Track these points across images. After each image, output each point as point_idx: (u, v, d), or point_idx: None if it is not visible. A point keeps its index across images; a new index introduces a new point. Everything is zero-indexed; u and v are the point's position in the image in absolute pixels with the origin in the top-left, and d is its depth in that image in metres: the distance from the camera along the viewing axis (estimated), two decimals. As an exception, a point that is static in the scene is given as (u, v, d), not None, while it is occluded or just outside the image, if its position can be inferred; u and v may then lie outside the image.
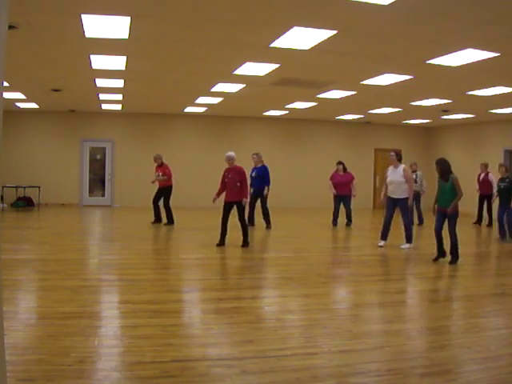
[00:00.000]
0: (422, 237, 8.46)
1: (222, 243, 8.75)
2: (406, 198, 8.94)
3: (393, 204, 9.03)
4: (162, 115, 16.39)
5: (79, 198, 16.09)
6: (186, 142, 16.65)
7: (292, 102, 13.04)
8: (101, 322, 4.53)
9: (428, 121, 16.35)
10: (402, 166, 9.11)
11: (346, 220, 12.21)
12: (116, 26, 6.04)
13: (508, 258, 8.86)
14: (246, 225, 8.80)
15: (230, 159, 8.78)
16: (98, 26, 6.00)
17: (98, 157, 16.45)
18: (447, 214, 7.63)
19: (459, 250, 7.69)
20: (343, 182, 12.22)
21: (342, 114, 15.62)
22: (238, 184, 8.56)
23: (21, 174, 15.08)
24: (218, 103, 13.38)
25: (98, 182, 16.46)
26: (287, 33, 6.20)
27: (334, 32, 6.09)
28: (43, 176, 15.46)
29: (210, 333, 4.33)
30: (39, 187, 14.98)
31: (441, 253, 7.90)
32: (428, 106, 12.61)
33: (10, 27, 5.86)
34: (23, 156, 15.35)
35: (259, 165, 11.44)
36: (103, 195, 16.42)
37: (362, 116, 15.80)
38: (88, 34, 6.40)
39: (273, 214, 11.89)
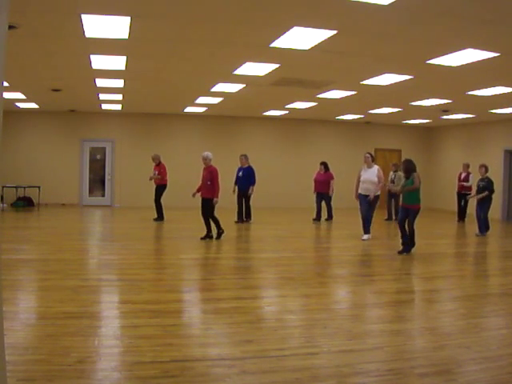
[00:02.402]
0: (419, 237, 8.47)
1: (206, 236, 9.39)
2: (376, 196, 9.78)
3: (366, 200, 9.80)
4: (162, 115, 16.39)
5: (79, 197, 16.09)
6: (186, 142, 16.64)
7: (292, 102, 13.04)
8: (101, 322, 4.53)
9: (428, 121, 16.35)
10: (376, 166, 9.93)
11: (326, 216, 13.17)
12: (116, 26, 6.03)
13: (506, 257, 8.86)
14: (216, 219, 9.37)
15: (204, 159, 9.42)
16: (98, 25, 5.99)
17: (98, 157, 16.44)
18: (408, 208, 8.34)
19: (415, 241, 8.34)
20: (322, 181, 13.15)
21: (342, 114, 15.62)
22: (209, 183, 9.22)
23: (21, 174, 15.07)
24: (218, 103, 13.38)
25: (97, 182, 16.46)
26: (287, 33, 6.20)
27: (334, 32, 6.08)
28: (43, 176, 15.45)
29: (209, 333, 4.33)
30: (39, 187, 14.98)
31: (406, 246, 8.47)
32: (428, 106, 12.60)
33: (10, 27, 5.86)
34: (23, 156, 15.34)
35: (246, 165, 12.31)
36: (103, 195, 16.42)
37: (362, 116, 15.79)
38: (88, 34, 6.39)
39: (273, 213, 11.94)
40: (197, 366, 3.55)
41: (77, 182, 16.06)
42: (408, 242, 8.36)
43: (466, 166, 13.66)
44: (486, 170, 11.05)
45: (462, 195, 13.63)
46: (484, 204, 10.89)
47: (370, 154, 10.08)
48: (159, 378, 3.32)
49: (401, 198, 8.88)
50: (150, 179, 12.38)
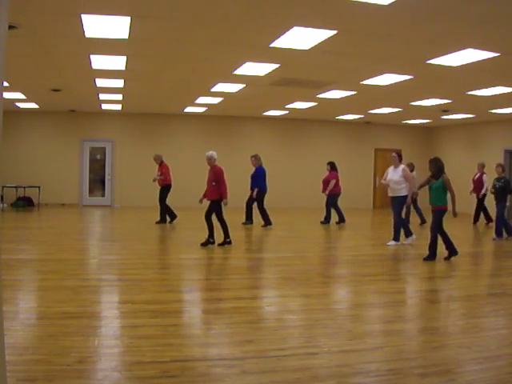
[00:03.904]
0: (421, 237, 8.41)
1: (206, 242, 8.79)
2: (402, 197, 9.24)
3: (392, 202, 9.39)
4: (162, 115, 16.39)
5: (79, 197, 16.09)
6: (186, 142, 16.65)
7: (292, 102, 13.05)
8: (101, 322, 4.53)
9: (428, 121, 16.35)
10: (402, 166, 9.42)
11: (322, 219, 12.71)
12: (116, 26, 6.04)
13: (506, 257, 8.86)
14: (225, 224, 8.80)
15: (208, 159, 8.82)
16: (98, 25, 6.00)
17: (98, 157, 16.45)
18: (433, 210, 7.92)
19: (437, 250, 7.87)
20: (325, 181, 12.79)
21: (342, 114, 15.62)
22: (214, 183, 8.65)
23: (21, 174, 15.09)
24: (218, 103, 13.38)
25: (97, 182, 16.47)
26: (287, 33, 6.20)
27: (334, 32, 6.09)
28: (43, 176, 15.46)
29: (210, 333, 4.33)
30: (39, 187, 14.99)
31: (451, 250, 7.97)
32: (428, 106, 12.61)
33: (10, 27, 5.86)
34: (23, 156, 15.35)
35: (256, 166, 11.83)
36: (103, 195, 16.43)
37: (362, 116, 15.80)
38: (88, 34, 6.40)
39: (273, 213, 11.91)
40: (197, 365, 3.55)
41: (77, 182, 16.06)
42: (448, 247, 7.89)
43: (482, 166, 12.99)
44: (503, 170, 10.66)
45: (478, 197, 13.07)
46: (500, 205, 10.42)
47: (398, 154, 9.52)
48: (159, 378, 3.32)
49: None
50: (154, 181, 12.16)
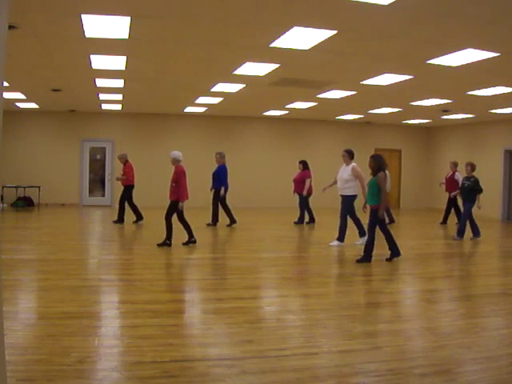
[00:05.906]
0: (416, 237, 8.37)
1: (191, 240, 8.78)
2: (348, 196, 9.05)
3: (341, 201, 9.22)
4: (162, 115, 16.39)
5: (79, 197, 16.09)
6: (186, 141, 16.64)
7: (292, 102, 13.05)
8: (101, 322, 4.53)
9: (428, 121, 16.35)
10: (352, 164, 9.19)
11: (307, 219, 12.49)
12: (116, 26, 6.03)
13: (504, 257, 8.86)
14: (170, 225, 8.70)
15: (171, 159, 8.68)
16: (98, 25, 5.99)
17: (98, 157, 16.45)
18: (372, 209, 7.62)
19: (372, 252, 7.67)
20: (297, 180, 12.52)
21: (342, 114, 15.62)
22: (174, 184, 8.53)
23: (21, 174, 15.09)
24: (218, 103, 13.38)
25: (97, 182, 16.47)
26: (287, 33, 6.20)
27: (334, 32, 6.09)
28: (43, 176, 15.46)
29: (209, 333, 4.33)
30: (39, 187, 14.99)
31: (395, 251, 7.80)
32: (428, 106, 12.60)
33: (10, 27, 5.86)
34: (23, 156, 15.35)
35: (220, 164, 11.58)
36: (103, 195, 16.43)
37: (362, 116, 15.80)
38: (88, 34, 6.39)
39: (272, 213, 11.92)
40: (197, 365, 3.56)
41: (77, 182, 16.06)
42: (370, 249, 7.65)
43: (454, 165, 12.52)
44: (473, 169, 10.31)
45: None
46: (467, 205, 10.14)
47: (347, 152, 9.24)
48: (159, 378, 3.32)
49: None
50: (117, 180, 12.11)
